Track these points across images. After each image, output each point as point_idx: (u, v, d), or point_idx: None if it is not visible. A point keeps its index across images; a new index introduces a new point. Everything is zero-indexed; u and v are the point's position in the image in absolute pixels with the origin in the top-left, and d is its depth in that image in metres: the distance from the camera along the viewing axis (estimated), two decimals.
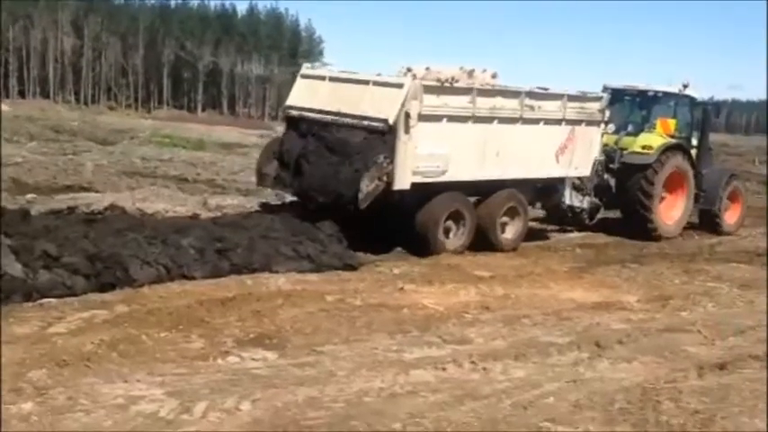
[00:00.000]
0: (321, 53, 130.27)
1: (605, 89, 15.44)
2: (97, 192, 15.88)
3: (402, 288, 9.69)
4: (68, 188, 16.82)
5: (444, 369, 6.70)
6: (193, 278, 9.26)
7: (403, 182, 11.48)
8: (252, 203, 14.97)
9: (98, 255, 8.83)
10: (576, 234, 15.52)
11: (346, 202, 11.30)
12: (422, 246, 11.96)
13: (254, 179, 21.20)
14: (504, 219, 13.04)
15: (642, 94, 16.61)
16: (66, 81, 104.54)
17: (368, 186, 11.14)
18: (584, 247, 14.13)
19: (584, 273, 11.59)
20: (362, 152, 11.45)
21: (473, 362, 6.90)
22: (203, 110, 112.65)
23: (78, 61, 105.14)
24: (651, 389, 6.47)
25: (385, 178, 11.29)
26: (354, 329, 7.76)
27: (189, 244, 9.73)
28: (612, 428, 5.66)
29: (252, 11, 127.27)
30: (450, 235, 12.30)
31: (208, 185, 19.55)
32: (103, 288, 8.54)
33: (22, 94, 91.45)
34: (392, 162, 11.32)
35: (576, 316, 8.87)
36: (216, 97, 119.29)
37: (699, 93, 16.96)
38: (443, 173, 11.98)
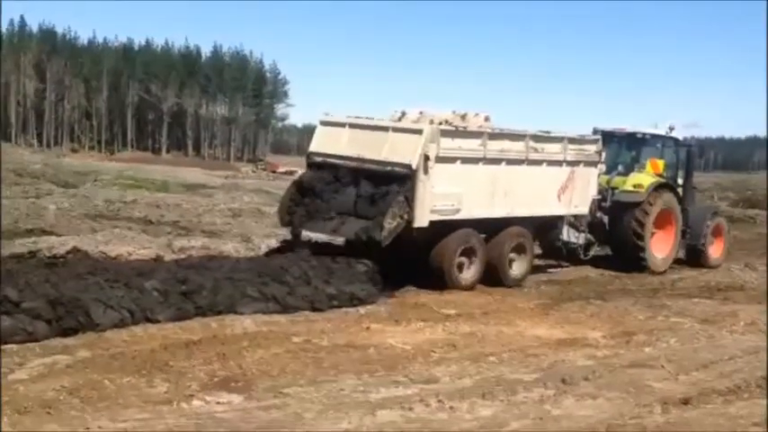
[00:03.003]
0: (286, 94, 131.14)
1: (595, 132, 16.24)
2: (59, 235, 15.67)
3: (368, 328, 9.69)
4: (30, 232, 16.59)
5: (411, 409, 6.68)
6: (157, 321, 9.13)
7: (422, 220, 12.09)
8: (216, 244, 14.87)
9: (60, 299, 8.67)
10: (540, 272, 15.67)
11: (369, 241, 11.83)
12: (437, 280, 12.52)
13: (218, 220, 21.32)
14: (512, 255, 13.61)
15: (631, 136, 17.41)
16: (29, 124, 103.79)
17: (390, 224, 11.74)
18: (548, 284, 14.25)
19: (549, 310, 11.67)
20: (384, 194, 12.10)
21: (440, 401, 6.89)
22: (168, 151, 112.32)
23: (41, 104, 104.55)
24: (616, 425, 6.51)
25: (405, 216, 11.89)
26: (321, 370, 7.73)
27: (152, 287, 9.62)
28: None
29: (216, 52, 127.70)
30: (463, 270, 12.79)
31: (172, 227, 19.38)
32: (66, 333, 8.39)
33: None
34: (412, 201, 11.92)
35: (542, 353, 8.92)
36: (181, 139, 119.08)
37: (682, 134, 17.80)
38: (457, 211, 12.62)
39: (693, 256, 17.60)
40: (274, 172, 71.46)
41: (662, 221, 16.63)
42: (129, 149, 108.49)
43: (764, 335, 10.45)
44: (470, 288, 12.78)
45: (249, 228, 19.52)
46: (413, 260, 12.58)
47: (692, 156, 17.99)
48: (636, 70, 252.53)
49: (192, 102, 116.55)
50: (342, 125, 13.32)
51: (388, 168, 12.28)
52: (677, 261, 17.26)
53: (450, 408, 6.76)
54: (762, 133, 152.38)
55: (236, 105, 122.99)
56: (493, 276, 13.29)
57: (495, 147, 13.16)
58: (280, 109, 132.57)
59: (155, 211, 22.37)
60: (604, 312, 11.62)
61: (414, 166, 11.98)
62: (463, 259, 12.80)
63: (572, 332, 10.13)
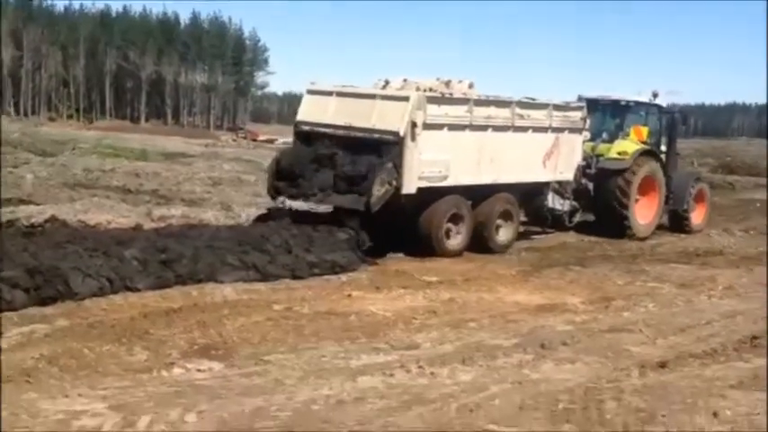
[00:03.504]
0: (266, 62, 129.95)
1: (580, 99, 16.31)
2: (37, 204, 15.53)
3: (350, 295, 9.72)
4: (8, 201, 16.42)
5: (392, 375, 6.70)
6: (137, 290, 9.10)
7: (410, 186, 12.20)
8: (196, 213, 14.80)
9: (38, 268, 8.62)
10: (522, 239, 15.74)
11: (357, 208, 11.92)
12: (424, 247, 12.63)
13: (198, 189, 21.20)
14: (499, 221, 13.74)
15: (615, 103, 17.55)
16: (6, 92, 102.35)
17: (378, 191, 11.84)
18: (529, 251, 14.33)
19: (529, 276, 11.73)
20: (372, 161, 12.15)
21: (420, 367, 6.92)
22: (147, 120, 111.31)
23: (18, 72, 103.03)
24: (594, 388, 6.57)
25: (394, 183, 11.98)
26: (302, 338, 7.74)
27: (132, 255, 9.57)
28: (556, 428, 5.74)
29: (195, 19, 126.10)
30: (451, 236, 12.90)
31: (151, 196, 19.26)
32: (44, 302, 8.34)
33: None
34: (400, 168, 11.99)
35: (522, 319, 8.98)
36: (160, 107, 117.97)
37: (664, 101, 17.89)
38: (445, 178, 12.70)
39: (676, 222, 17.83)
40: (255, 140, 71.12)
41: (646, 188, 16.80)
42: (107, 118, 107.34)
43: (741, 299, 10.59)
44: (458, 254, 12.88)
45: (229, 196, 19.44)
46: (400, 227, 12.62)
47: (675, 123, 18.15)
48: (618, 39, 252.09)
49: (170, 69, 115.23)
50: (329, 94, 13.32)
51: (376, 136, 12.31)
52: (659, 226, 17.43)
53: (431, 373, 6.80)
54: (740, 100, 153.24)
55: (215, 73, 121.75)
56: (479, 243, 13.37)
57: (481, 113, 13.20)
58: (259, 77, 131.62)
59: (134, 180, 22.22)
60: (584, 278, 11.71)
61: (401, 133, 12.04)
62: (451, 226, 12.89)
63: (551, 298, 10.20)
